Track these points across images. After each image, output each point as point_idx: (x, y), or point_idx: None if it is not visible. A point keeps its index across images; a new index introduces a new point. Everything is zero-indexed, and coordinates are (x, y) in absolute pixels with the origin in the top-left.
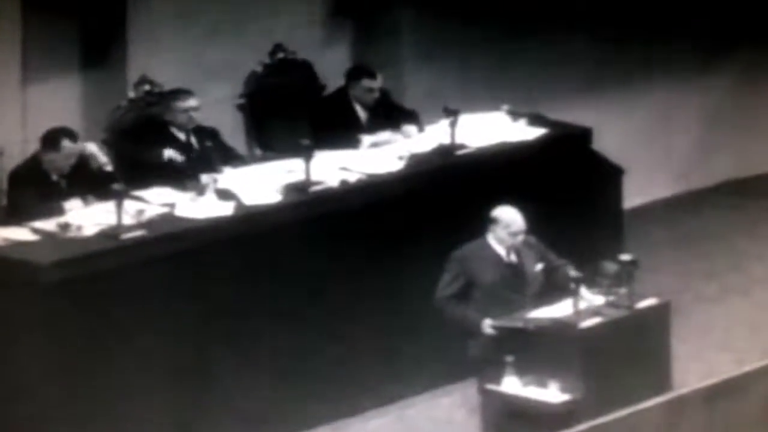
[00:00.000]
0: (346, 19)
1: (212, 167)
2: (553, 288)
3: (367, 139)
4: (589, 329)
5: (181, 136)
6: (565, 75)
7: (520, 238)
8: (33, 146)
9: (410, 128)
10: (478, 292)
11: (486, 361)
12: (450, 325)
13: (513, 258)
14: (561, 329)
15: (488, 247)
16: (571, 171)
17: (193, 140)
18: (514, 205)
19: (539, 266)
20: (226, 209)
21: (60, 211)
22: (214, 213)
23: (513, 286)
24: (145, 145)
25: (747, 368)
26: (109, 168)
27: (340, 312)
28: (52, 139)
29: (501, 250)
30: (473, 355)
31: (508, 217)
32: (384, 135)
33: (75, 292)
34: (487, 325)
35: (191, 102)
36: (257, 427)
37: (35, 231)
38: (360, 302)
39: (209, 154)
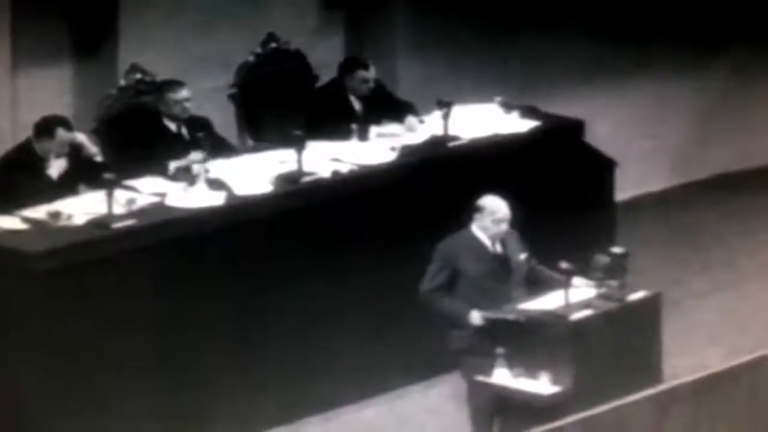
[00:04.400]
0: (339, 9)
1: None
2: (534, 285)
3: (374, 130)
4: (580, 321)
5: (173, 126)
6: (559, 67)
7: (505, 226)
8: (23, 136)
9: (413, 120)
10: (464, 282)
11: (471, 353)
12: (436, 317)
13: (498, 248)
14: (552, 321)
15: (473, 237)
16: (564, 163)
17: (184, 131)
18: (506, 197)
19: (523, 255)
20: (218, 199)
21: (58, 198)
22: (206, 203)
23: (498, 276)
24: (137, 136)
25: (736, 362)
26: (99, 158)
27: (331, 302)
28: (46, 126)
29: (486, 240)
30: (456, 347)
31: (493, 204)
32: (391, 127)
33: (66, 281)
34: (476, 317)
35: (184, 93)
36: (248, 417)
37: (26, 220)
38: (351, 293)
39: (201, 144)
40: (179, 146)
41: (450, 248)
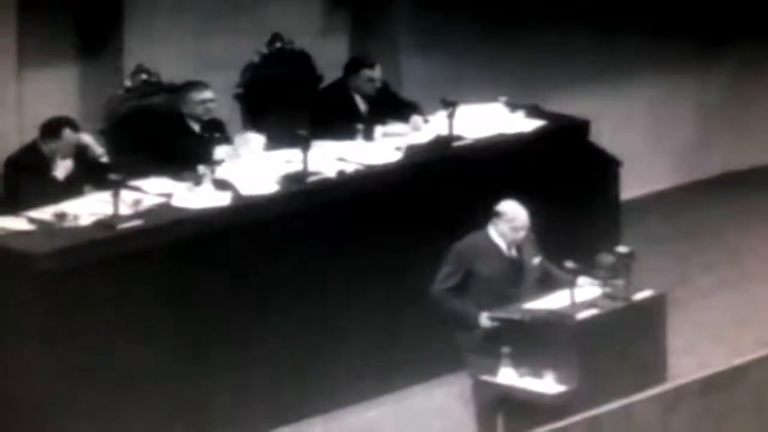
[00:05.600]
0: (343, 9)
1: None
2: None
3: (379, 129)
4: (586, 320)
5: (196, 127)
6: (563, 67)
7: (522, 233)
8: (29, 136)
9: (418, 120)
10: (477, 285)
11: (478, 353)
12: (446, 317)
13: (513, 252)
14: (557, 320)
15: (489, 240)
16: (569, 163)
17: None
18: (512, 197)
19: (537, 259)
20: (223, 199)
21: (64, 198)
22: (211, 203)
23: (512, 280)
24: (151, 136)
25: (740, 361)
26: (105, 159)
27: (337, 302)
28: (53, 127)
29: (502, 244)
30: (463, 347)
31: (513, 211)
32: (396, 127)
33: (71, 282)
34: (486, 319)
35: (207, 94)
36: (254, 417)
37: (32, 221)
38: (357, 293)
39: (217, 146)
40: (202, 147)
41: (466, 250)
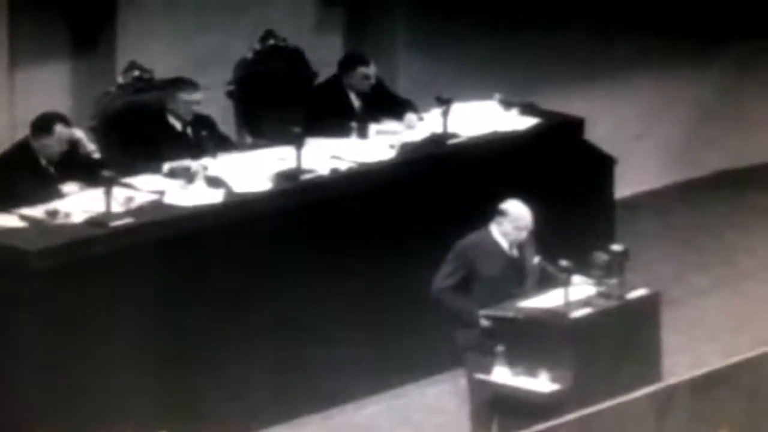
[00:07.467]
0: (338, 6)
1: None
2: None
3: (373, 127)
4: (580, 319)
5: (177, 125)
6: (559, 65)
7: (525, 233)
8: (21, 133)
9: (412, 117)
10: (478, 284)
11: (478, 351)
12: (447, 316)
13: (515, 252)
14: (552, 319)
15: (492, 239)
16: (564, 161)
17: (189, 130)
18: (507, 195)
19: (536, 259)
20: (216, 197)
21: (56, 195)
22: (204, 200)
23: (513, 280)
24: (140, 134)
25: (735, 360)
26: (97, 155)
27: (331, 300)
28: (44, 123)
29: (504, 243)
30: (463, 344)
31: (517, 211)
32: (390, 124)
33: (63, 280)
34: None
35: (197, 95)
36: (248, 416)
37: (23, 218)
38: (351, 291)
39: (205, 143)
40: (183, 145)
41: (467, 249)
